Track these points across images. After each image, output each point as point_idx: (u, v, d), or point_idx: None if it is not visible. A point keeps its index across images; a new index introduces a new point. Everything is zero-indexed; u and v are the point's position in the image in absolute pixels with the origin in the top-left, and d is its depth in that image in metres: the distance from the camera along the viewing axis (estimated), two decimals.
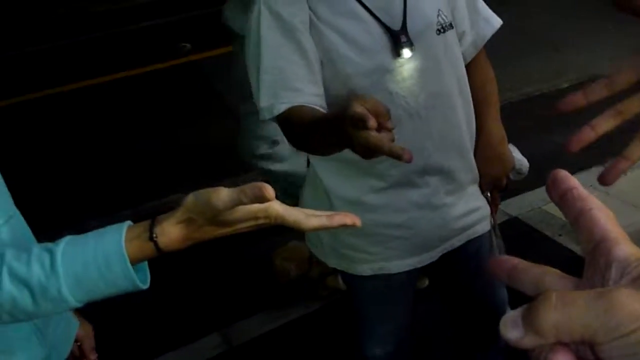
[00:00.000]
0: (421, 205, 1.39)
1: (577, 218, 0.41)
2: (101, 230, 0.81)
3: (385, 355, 1.58)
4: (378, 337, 1.58)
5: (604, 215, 0.40)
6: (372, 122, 0.84)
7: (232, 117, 3.27)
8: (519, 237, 2.53)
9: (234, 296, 2.70)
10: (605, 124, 0.68)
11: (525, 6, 6.55)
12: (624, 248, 0.38)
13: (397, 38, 1.24)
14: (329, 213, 0.81)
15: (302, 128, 1.18)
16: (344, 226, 0.79)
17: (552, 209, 2.48)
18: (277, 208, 0.79)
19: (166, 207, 0.85)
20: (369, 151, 0.89)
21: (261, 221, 0.80)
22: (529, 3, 6.76)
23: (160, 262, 0.86)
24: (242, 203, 0.75)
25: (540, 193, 2.80)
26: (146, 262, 0.84)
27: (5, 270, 0.77)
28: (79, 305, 0.81)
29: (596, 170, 1.51)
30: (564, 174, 0.43)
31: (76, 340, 1.23)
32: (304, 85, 1.21)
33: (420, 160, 1.31)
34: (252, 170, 3.16)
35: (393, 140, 0.88)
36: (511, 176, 1.62)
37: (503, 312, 1.30)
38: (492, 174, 1.54)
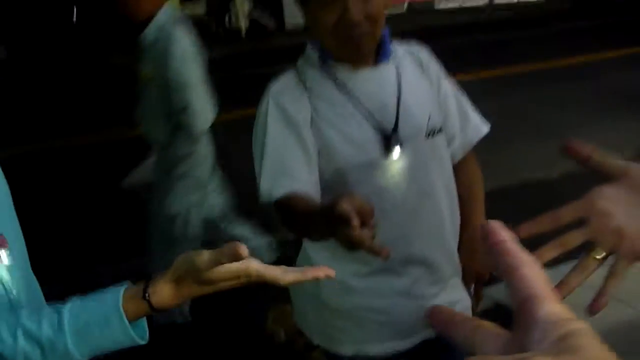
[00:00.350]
0: (402, 293, 1.46)
1: (506, 272, 0.41)
2: (103, 290, 0.92)
3: None
4: None
5: (532, 272, 0.40)
6: (356, 222, 0.94)
7: (249, 180, 3.63)
8: (506, 321, 2.16)
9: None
10: (548, 254, 0.72)
11: (539, 92, 6.70)
12: (549, 307, 0.38)
13: (389, 139, 1.36)
14: (304, 268, 0.92)
15: (295, 215, 1.29)
16: (317, 279, 0.90)
17: None
18: (255, 266, 0.88)
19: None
20: (351, 245, 0.98)
21: (242, 279, 0.89)
22: (544, 89, 6.86)
23: None
24: (221, 262, 0.86)
25: None
26: (144, 320, 0.94)
27: (20, 329, 0.86)
28: (78, 357, 0.87)
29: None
30: (497, 225, 0.43)
31: None
32: (301, 174, 1.33)
33: (403, 251, 1.41)
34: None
35: (374, 238, 0.98)
36: (494, 272, 1.41)
37: None
38: (475, 268, 1.58)
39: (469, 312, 1.55)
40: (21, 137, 6.26)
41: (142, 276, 0.95)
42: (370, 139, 1.37)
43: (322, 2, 1.29)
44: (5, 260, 0.94)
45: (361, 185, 1.36)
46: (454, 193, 1.51)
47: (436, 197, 1.45)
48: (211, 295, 0.92)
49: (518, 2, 15.02)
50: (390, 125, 1.37)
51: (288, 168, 1.32)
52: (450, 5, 16.97)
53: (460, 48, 9.92)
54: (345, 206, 0.94)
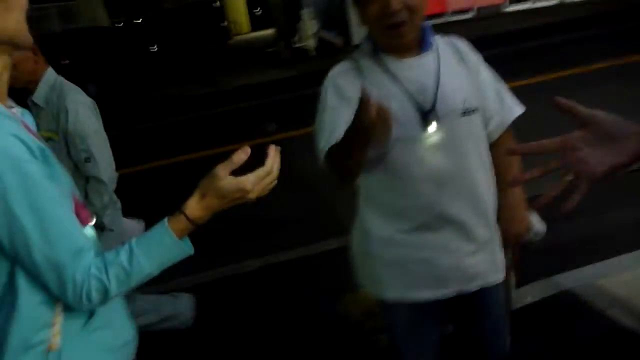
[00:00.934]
0: (439, 247, 1.65)
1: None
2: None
3: None
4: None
5: None
6: (372, 103, 1.24)
7: (310, 191, 3.67)
8: (571, 309, 2.65)
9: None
10: (536, 171, 0.98)
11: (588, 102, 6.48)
12: None
13: (427, 115, 1.57)
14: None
15: (336, 149, 1.49)
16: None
17: (605, 283, 2.65)
18: (250, 179, 1.20)
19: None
20: (367, 123, 1.26)
21: (244, 193, 1.20)
22: (593, 101, 6.47)
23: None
24: (233, 166, 1.19)
25: (592, 268, 2.88)
26: (188, 238, 1.21)
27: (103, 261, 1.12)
28: (152, 271, 1.17)
29: None
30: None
31: None
32: None
33: (440, 211, 1.61)
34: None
35: (387, 130, 1.32)
36: (530, 236, 1.85)
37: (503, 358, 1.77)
38: (512, 232, 1.77)
39: (500, 273, 1.76)
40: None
41: None
42: (411, 117, 1.57)
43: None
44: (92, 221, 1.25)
45: (403, 155, 1.58)
46: (488, 165, 1.69)
47: (470, 166, 1.63)
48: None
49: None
50: (428, 106, 1.58)
51: (340, 129, 1.47)
52: (520, 7, 16.58)
53: (532, 51, 9.68)
54: (366, 96, 1.24)
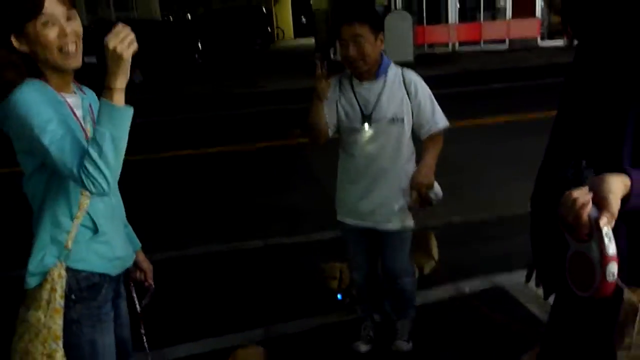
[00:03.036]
0: (361, 196, 2.54)
1: None
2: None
3: (359, 279, 2.81)
4: (354, 265, 2.81)
5: None
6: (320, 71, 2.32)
7: (318, 187, 4.17)
8: (497, 300, 3.16)
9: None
10: None
11: None
12: None
13: (365, 118, 2.43)
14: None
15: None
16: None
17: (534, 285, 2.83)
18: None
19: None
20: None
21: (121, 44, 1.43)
22: None
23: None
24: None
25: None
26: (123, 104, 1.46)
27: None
28: (112, 133, 1.45)
29: None
30: None
31: (140, 269, 1.92)
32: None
33: (366, 174, 2.51)
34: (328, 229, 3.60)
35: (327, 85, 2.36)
36: (431, 195, 2.42)
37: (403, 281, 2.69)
38: (417, 180, 2.40)
39: (398, 221, 2.52)
40: (149, 146, 6.87)
41: None
42: (357, 117, 2.44)
43: (342, 44, 2.36)
44: None
45: (350, 139, 2.48)
46: (405, 154, 2.48)
47: (392, 154, 2.45)
48: None
49: None
50: (368, 112, 2.42)
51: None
52: (553, 43, 16.43)
53: (559, 85, 9.58)
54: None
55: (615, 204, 0.97)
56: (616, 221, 0.99)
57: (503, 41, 16.66)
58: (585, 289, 0.99)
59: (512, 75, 11.59)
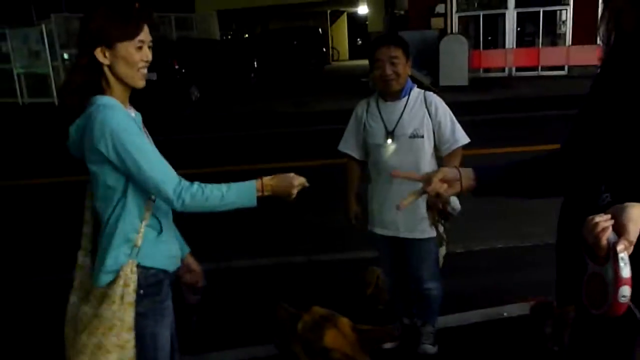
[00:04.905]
0: (384, 206, 2.74)
1: None
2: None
3: (390, 284, 3.06)
4: (385, 272, 3.09)
5: None
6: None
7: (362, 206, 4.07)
8: None
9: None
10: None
11: None
12: None
13: (388, 134, 2.66)
14: None
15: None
16: None
17: None
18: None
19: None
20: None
21: (293, 189, 1.86)
22: None
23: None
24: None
25: None
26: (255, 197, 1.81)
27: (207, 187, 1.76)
28: (224, 197, 1.76)
29: None
30: None
31: (191, 271, 2.07)
32: (351, 141, 2.84)
33: (390, 184, 2.65)
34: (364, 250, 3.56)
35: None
36: (449, 209, 2.35)
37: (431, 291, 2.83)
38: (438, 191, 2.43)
39: (425, 231, 2.65)
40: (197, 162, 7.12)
41: None
42: (381, 133, 2.68)
43: (375, 65, 2.61)
44: None
45: (375, 153, 2.71)
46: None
47: (412, 168, 2.52)
48: None
49: None
50: (390, 129, 2.66)
51: (348, 138, 2.84)
52: None
53: None
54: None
55: (633, 231, 1.02)
56: (636, 247, 1.04)
57: (562, 67, 16.31)
58: (597, 307, 1.04)
59: (568, 103, 11.34)
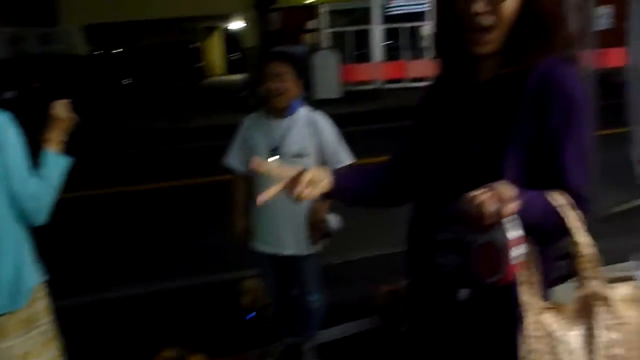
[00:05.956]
0: (267, 223, 2.75)
1: None
2: None
3: (272, 301, 3.01)
4: (267, 288, 3.01)
5: None
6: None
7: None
8: None
9: None
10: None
11: None
12: None
13: (273, 151, 2.62)
14: None
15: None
16: None
17: None
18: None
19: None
20: None
21: None
22: None
23: None
24: None
25: None
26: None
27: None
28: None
29: None
30: None
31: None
32: (236, 154, 2.79)
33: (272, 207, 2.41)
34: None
35: None
36: (328, 227, 2.60)
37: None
38: (312, 218, 2.57)
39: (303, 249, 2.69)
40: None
41: None
42: (267, 149, 2.63)
43: (267, 79, 2.58)
44: None
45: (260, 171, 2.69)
46: None
47: None
48: None
49: None
50: (276, 146, 2.62)
51: (234, 152, 2.76)
52: None
53: None
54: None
55: (508, 197, 1.06)
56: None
57: (427, 79, 17.36)
58: (492, 275, 1.08)
59: None
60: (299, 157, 2.61)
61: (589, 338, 1.16)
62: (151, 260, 4.67)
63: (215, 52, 31.63)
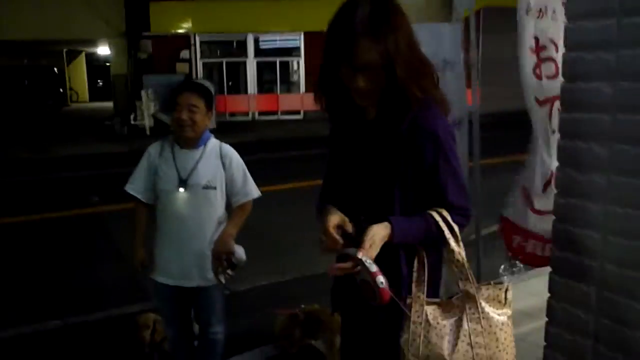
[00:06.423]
0: (171, 255, 2.70)
1: None
2: None
3: (172, 334, 2.91)
4: (166, 321, 2.93)
5: None
6: None
7: (122, 261, 3.87)
8: None
9: None
10: None
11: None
12: None
13: (181, 182, 2.60)
14: None
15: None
16: None
17: None
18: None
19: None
20: None
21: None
22: None
23: None
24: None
25: None
26: None
27: None
28: None
29: None
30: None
31: None
32: (140, 184, 2.72)
33: (178, 233, 2.67)
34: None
35: None
36: (233, 260, 2.64)
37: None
38: (217, 249, 2.63)
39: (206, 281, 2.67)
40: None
41: None
42: (175, 181, 2.61)
43: (178, 109, 2.57)
44: None
45: (166, 202, 2.65)
46: (217, 222, 2.67)
47: (202, 219, 2.65)
48: None
49: None
50: (184, 177, 2.61)
51: (137, 180, 2.69)
52: None
53: None
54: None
55: (367, 243, 1.43)
56: (397, 249, 1.51)
57: (298, 112, 17.84)
58: (373, 299, 1.41)
59: (306, 144, 12.46)
60: (208, 188, 2.62)
61: (457, 327, 1.50)
62: (20, 301, 4.31)
63: (79, 77, 30.04)
